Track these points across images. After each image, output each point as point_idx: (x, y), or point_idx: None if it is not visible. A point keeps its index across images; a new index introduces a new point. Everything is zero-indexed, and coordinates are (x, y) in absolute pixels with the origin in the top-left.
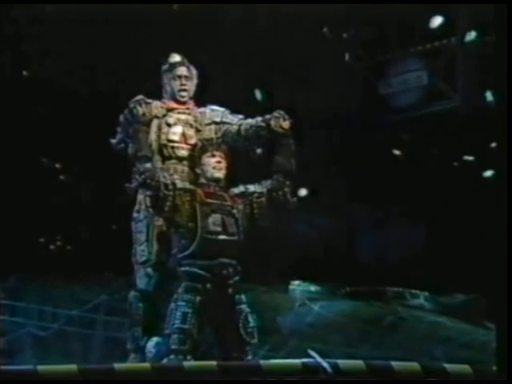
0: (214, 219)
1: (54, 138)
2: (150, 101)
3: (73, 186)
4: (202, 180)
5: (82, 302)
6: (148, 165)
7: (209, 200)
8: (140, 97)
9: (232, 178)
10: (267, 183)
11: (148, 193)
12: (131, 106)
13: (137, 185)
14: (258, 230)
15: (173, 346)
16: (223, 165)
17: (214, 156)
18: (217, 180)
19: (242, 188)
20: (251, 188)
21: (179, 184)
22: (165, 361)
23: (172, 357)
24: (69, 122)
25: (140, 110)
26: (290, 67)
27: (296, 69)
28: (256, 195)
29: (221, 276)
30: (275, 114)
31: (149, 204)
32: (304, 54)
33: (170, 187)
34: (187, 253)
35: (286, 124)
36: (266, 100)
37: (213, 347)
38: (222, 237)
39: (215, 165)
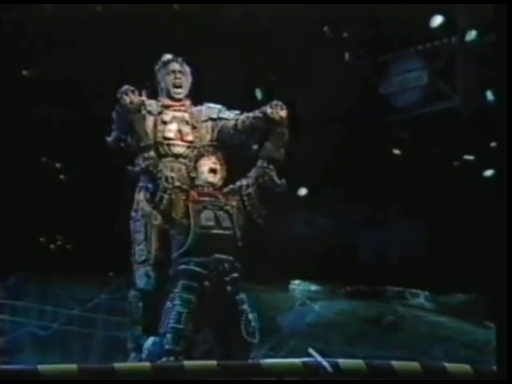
0: (206, 215)
1: (54, 137)
2: (133, 88)
3: (73, 185)
4: (198, 182)
5: (82, 301)
6: (151, 153)
7: (201, 198)
8: (125, 87)
9: (227, 182)
10: (252, 172)
11: (149, 186)
12: (118, 96)
13: (139, 170)
14: (255, 225)
15: (166, 346)
16: (218, 167)
17: (209, 159)
18: (212, 184)
19: (230, 186)
20: (238, 183)
21: (176, 182)
22: (163, 360)
23: (164, 359)
24: (69, 122)
25: (127, 98)
26: (290, 67)
27: (296, 68)
28: (244, 188)
29: (217, 272)
30: (273, 102)
31: (148, 197)
32: (304, 53)
33: (170, 180)
34: (183, 250)
35: (284, 113)
36: (265, 100)
37: (214, 347)
38: (215, 231)
39: (211, 166)
